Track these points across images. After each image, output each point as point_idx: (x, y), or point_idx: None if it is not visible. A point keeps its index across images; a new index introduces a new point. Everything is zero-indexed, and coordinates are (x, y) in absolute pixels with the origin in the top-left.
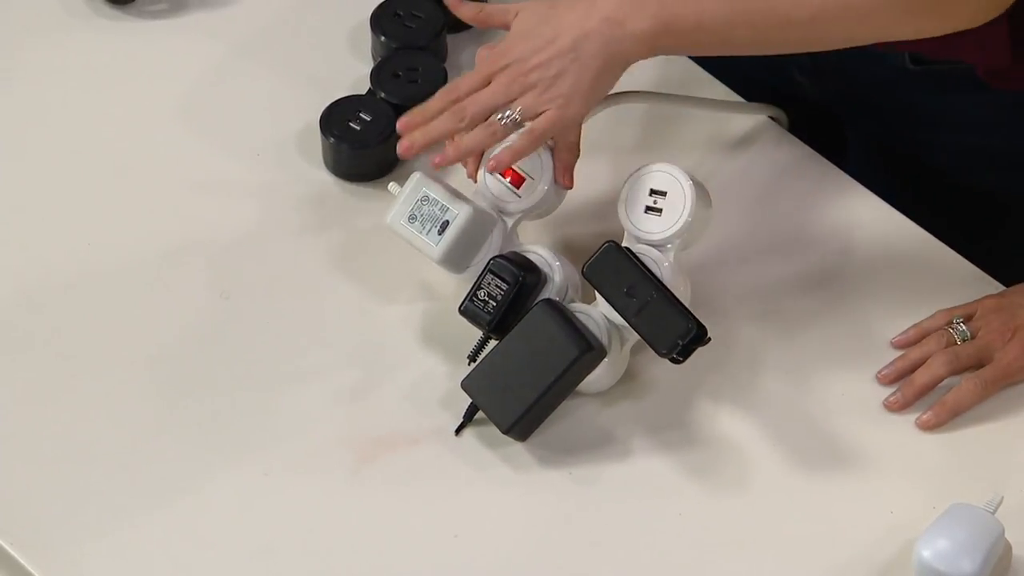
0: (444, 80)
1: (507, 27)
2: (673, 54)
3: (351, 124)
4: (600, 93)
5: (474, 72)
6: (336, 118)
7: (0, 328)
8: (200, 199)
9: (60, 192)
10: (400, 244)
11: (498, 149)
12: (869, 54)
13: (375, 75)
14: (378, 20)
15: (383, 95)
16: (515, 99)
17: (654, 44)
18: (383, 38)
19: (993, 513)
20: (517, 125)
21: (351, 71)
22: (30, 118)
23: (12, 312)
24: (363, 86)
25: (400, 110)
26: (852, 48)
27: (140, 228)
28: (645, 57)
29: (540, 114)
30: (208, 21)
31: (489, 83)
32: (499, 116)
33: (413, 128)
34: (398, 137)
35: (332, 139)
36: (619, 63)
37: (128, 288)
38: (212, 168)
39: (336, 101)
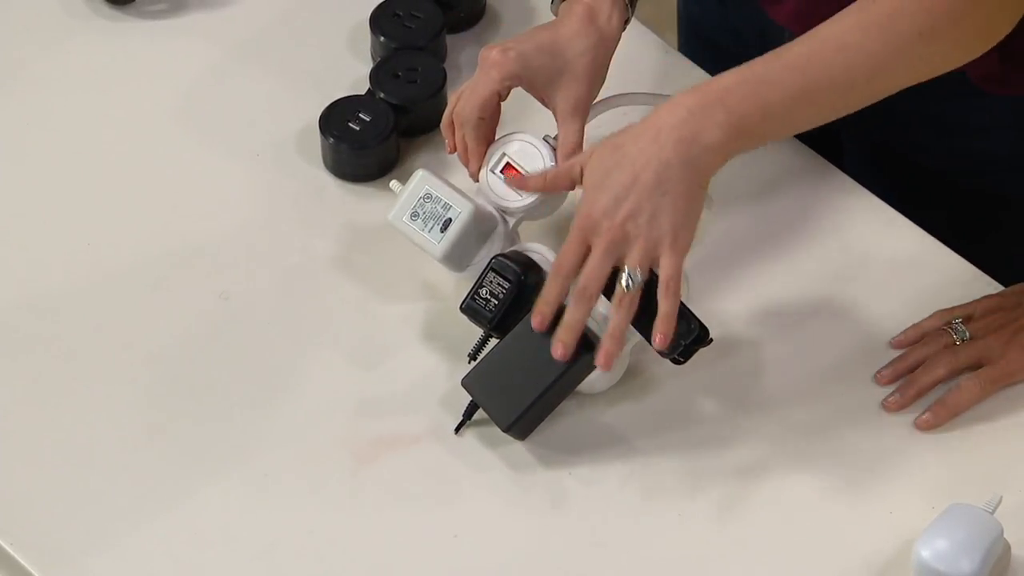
0: (443, 80)
1: (576, 184)
2: (747, 151)
3: (350, 124)
4: (698, 214)
5: (571, 241)
6: (335, 118)
7: (0, 329)
8: (200, 199)
9: (60, 192)
10: (400, 244)
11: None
12: None
13: (374, 75)
14: (377, 20)
15: (382, 95)
16: (623, 257)
17: (730, 150)
18: (382, 38)
19: (992, 513)
20: (642, 282)
21: (350, 71)
22: (30, 118)
23: (12, 313)
24: (362, 86)
25: (399, 110)
26: None
27: (140, 228)
28: (723, 164)
29: (655, 259)
30: (208, 21)
31: (588, 247)
32: (623, 284)
33: (547, 321)
34: (397, 137)
35: (331, 139)
36: (704, 176)
37: (128, 289)
38: (212, 168)
39: (335, 101)
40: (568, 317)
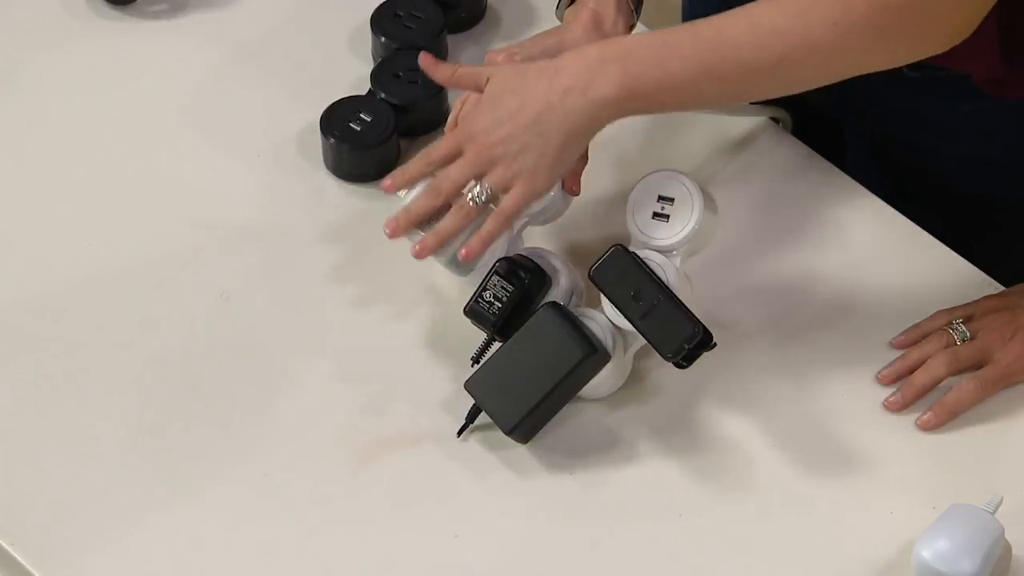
0: None
1: (480, 90)
2: (643, 114)
3: (351, 125)
4: (567, 163)
5: (446, 139)
6: (336, 119)
7: (1, 329)
8: (200, 200)
9: (60, 193)
10: (401, 245)
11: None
12: None
13: (375, 76)
14: (378, 21)
15: (383, 96)
16: (483, 172)
17: (619, 109)
18: (383, 39)
19: (993, 513)
20: (487, 201)
21: (351, 72)
22: (30, 119)
23: (13, 313)
24: (363, 87)
25: (400, 110)
26: None
27: (140, 229)
28: (613, 120)
29: (508, 188)
30: (209, 22)
31: (460, 151)
32: (469, 195)
33: (396, 189)
34: (398, 137)
35: (332, 140)
36: (585, 132)
37: (129, 289)
38: (212, 168)
39: (336, 102)
40: (412, 206)
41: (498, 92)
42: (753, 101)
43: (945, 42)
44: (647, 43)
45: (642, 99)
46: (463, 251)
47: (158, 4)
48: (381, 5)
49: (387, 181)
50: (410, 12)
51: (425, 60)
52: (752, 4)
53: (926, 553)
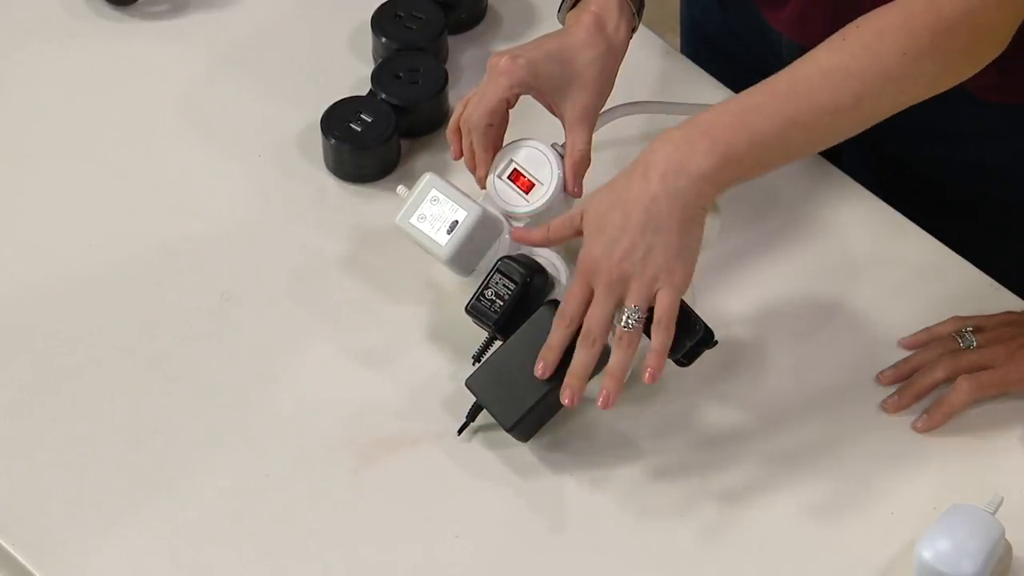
0: (445, 81)
1: (580, 234)
2: (742, 181)
3: (352, 125)
4: (694, 245)
5: (574, 287)
6: (337, 119)
7: (1, 328)
8: (201, 200)
9: (60, 193)
10: (402, 245)
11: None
12: None
13: (376, 76)
14: (379, 21)
15: (384, 96)
16: (622, 295)
17: (720, 179)
18: (384, 39)
19: (993, 514)
20: (640, 321)
21: (352, 72)
22: (31, 118)
23: (13, 312)
24: (364, 87)
25: (401, 111)
26: None
27: (141, 229)
28: (717, 193)
29: (654, 295)
30: (209, 22)
31: (591, 290)
32: (622, 325)
33: (551, 370)
34: (398, 138)
35: (333, 140)
36: (696, 210)
37: (129, 289)
38: (213, 169)
39: (337, 102)
40: (576, 362)
41: (599, 218)
42: (842, 141)
43: (1000, 48)
44: (727, 110)
45: (737, 164)
46: (647, 374)
47: (159, 4)
48: (382, 6)
49: (539, 366)
50: (411, 13)
51: (517, 233)
52: (819, 49)
53: (927, 553)
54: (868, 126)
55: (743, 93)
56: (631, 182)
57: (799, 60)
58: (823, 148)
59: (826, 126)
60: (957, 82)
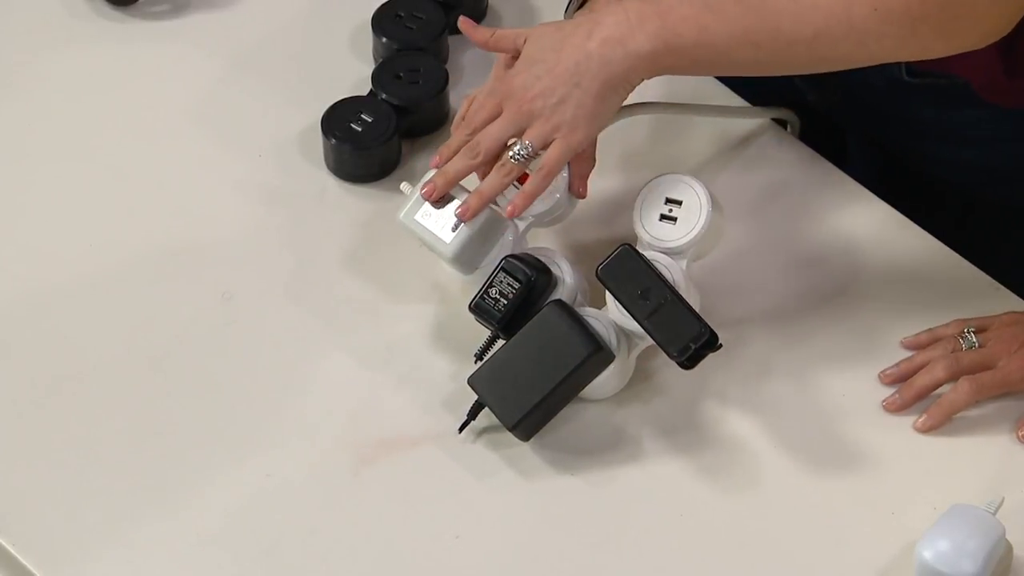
0: (445, 81)
1: (518, 52)
2: (676, 73)
3: (352, 125)
4: (606, 115)
5: (484, 99)
6: (337, 119)
7: (2, 328)
8: (201, 200)
9: (61, 193)
10: (403, 245)
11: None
12: None
13: (376, 76)
14: (379, 21)
15: (384, 96)
16: (523, 129)
17: (655, 63)
18: (384, 39)
19: (994, 514)
20: (529, 158)
21: (352, 72)
22: (31, 119)
23: (15, 313)
24: (364, 87)
25: (401, 111)
26: None
27: (142, 229)
28: (648, 76)
29: (549, 143)
30: (210, 23)
31: (499, 111)
32: (511, 153)
33: (444, 162)
34: (399, 138)
35: (333, 140)
36: (621, 84)
37: (130, 289)
38: (213, 169)
39: (337, 102)
40: (449, 165)
41: (536, 49)
42: (782, 74)
43: (979, 40)
44: (690, 2)
45: (677, 55)
46: (509, 207)
47: (159, 5)
48: (382, 6)
49: (435, 158)
50: (411, 13)
51: (464, 23)
52: None
53: (927, 553)
54: (817, 70)
55: None
56: (575, 33)
57: None
58: (764, 74)
59: (777, 52)
60: (924, 57)
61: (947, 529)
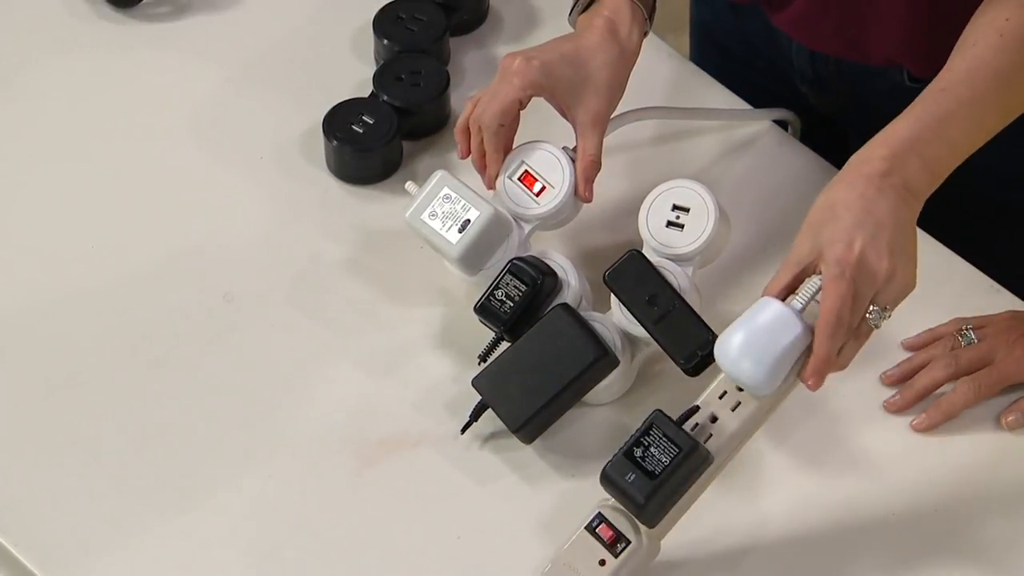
0: (446, 83)
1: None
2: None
3: (354, 127)
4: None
5: (843, 290)
6: (339, 121)
7: (4, 329)
8: (203, 202)
9: (62, 195)
10: (404, 246)
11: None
12: (868, 68)
13: (378, 78)
14: (381, 23)
15: (385, 98)
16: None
17: (930, 192)
18: (386, 41)
19: (801, 311)
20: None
21: (354, 74)
22: (33, 121)
23: (17, 314)
24: (366, 89)
25: (403, 113)
26: (851, 60)
27: (143, 231)
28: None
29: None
30: (211, 25)
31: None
32: (872, 320)
33: (822, 372)
34: (400, 140)
35: (335, 142)
36: (912, 217)
37: (132, 291)
38: (215, 171)
39: (339, 104)
40: (844, 355)
41: (822, 226)
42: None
43: None
44: (922, 123)
45: (939, 179)
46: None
47: (161, 7)
48: (383, 7)
49: (812, 379)
50: (412, 15)
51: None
52: (976, 47)
53: (717, 349)
54: None
55: (917, 103)
56: (852, 192)
57: (957, 63)
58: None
59: (1000, 125)
60: None
61: (743, 324)
